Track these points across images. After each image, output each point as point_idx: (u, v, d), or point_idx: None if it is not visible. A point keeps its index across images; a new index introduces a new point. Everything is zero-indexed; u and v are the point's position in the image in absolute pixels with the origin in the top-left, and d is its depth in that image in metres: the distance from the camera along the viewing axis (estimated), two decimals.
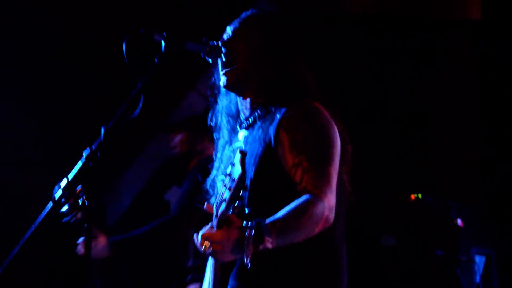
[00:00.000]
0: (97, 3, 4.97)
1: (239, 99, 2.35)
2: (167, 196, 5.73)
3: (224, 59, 2.27)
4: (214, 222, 1.96)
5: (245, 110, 2.33)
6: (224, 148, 2.38)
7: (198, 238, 1.92)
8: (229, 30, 2.34)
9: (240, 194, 1.97)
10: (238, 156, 1.94)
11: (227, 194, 1.96)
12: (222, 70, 2.30)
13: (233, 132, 2.38)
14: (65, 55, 4.93)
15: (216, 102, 2.43)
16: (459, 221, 5.00)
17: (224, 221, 1.91)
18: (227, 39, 2.31)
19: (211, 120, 2.44)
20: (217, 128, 2.42)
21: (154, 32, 2.18)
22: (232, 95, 2.37)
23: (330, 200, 2.01)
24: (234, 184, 1.94)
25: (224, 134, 2.40)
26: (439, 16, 5.81)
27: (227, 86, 2.30)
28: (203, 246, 1.89)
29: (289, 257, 2.07)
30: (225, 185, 2.00)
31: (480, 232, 5.30)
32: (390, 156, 5.69)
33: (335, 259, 2.15)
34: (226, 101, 2.40)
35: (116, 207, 5.72)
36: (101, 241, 3.63)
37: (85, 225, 2.07)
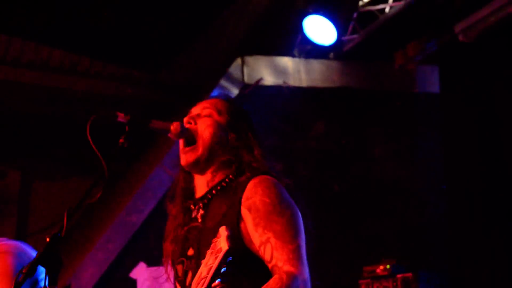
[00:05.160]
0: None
1: (195, 177, 2.32)
2: (133, 274, 5.60)
3: (186, 138, 2.26)
4: None
5: (199, 189, 2.30)
6: (176, 230, 2.31)
7: None
8: (194, 111, 2.35)
9: (222, 271, 1.90)
10: (223, 232, 1.85)
11: (205, 271, 1.87)
12: (184, 149, 2.28)
13: (186, 212, 2.31)
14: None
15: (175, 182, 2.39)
16: None
17: None
18: (192, 118, 2.31)
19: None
20: (172, 209, 2.36)
21: (119, 113, 2.18)
22: (187, 173, 2.33)
23: (303, 273, 2.00)
24: (217, 261, 1.86)
25: (177, 216, 2.33)
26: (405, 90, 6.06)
27: (189, 166, 2.28)
28: None
29: None
30: (204, 263, 1.89)
31: None
32: (358, 227, 5.70)
33: None
34: (182, 181, 2.36)
35: None
36: None
37: None
